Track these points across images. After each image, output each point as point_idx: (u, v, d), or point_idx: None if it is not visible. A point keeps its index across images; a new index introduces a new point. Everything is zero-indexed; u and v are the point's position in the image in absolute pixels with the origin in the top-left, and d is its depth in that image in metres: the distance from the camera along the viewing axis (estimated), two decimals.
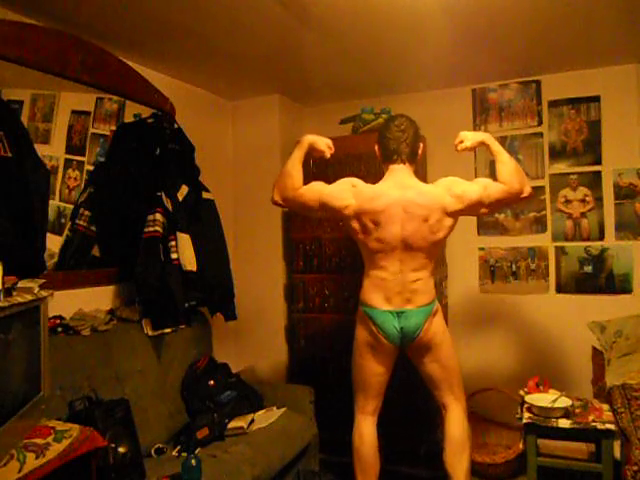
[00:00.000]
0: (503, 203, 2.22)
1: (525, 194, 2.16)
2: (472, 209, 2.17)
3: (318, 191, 2.23)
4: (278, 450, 2.35)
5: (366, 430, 2.30)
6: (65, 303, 2.18)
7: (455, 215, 2.17)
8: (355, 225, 2.19)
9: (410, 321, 2.17)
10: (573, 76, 3.08)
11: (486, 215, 2.28)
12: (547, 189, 3.14)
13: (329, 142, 2.33)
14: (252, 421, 2.47)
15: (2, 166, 1.81)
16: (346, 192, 2.19)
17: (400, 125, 2.22)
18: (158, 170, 2.50)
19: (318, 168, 3.11)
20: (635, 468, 2.05)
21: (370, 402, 2.31)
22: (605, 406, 2.36)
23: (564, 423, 2.25)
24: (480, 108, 3.30)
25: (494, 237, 3.26)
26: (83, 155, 2.43)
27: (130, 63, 2.58)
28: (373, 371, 2.27)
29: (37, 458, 1.41)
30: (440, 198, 2.15)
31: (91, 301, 2.36)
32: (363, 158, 2.89)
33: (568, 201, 3.10)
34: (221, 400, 2.52)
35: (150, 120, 2.62)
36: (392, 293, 2.17)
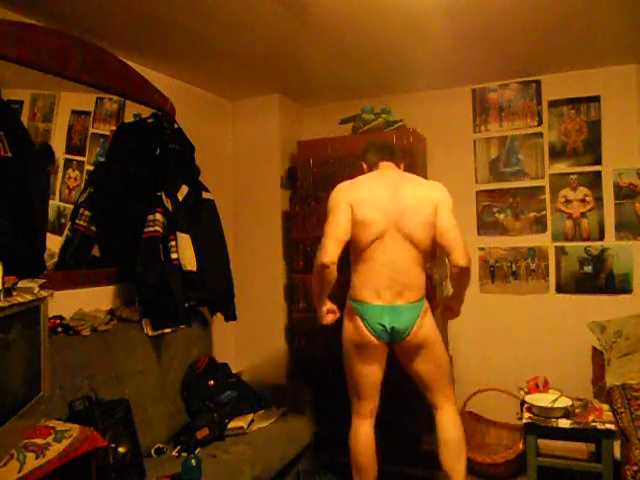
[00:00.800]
0: (441, 247, 2.22)
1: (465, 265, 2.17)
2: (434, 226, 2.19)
3: (339, 237, 2.15)
4: (278, 450, 2.35)
5: (363, 433, 2.29)
6: (65, 303, 2.18)
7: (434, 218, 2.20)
8: (353, 225, 2.18)
9: (401, 318, 2.16)
10: (573, 76, 3.08)
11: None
12: (547, 189, 3.15)
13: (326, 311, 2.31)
14: (252, 421, 2.47)
15: (2, 166, 1.81)
16: (346, 217, 2.16)
17: (383, 141, 2.47)
18: (158, 170, 2.50)
19: (318, 168, 3.11)
20: (635, 468, 2.05)
21: (365, 404, 2.29)
22: (605, 406, 2.36)
23: (564, 423, 2.26)
24: (480, 108, 3.30)
25: (494, 237, 3.26)
26: (83, 155, 2.43)
27: (130, 63, 2.58)
28: (363, 372, 2.25)
29: (37, 458, 1.41)
30: (432, 195, 2.21)
31: (91, 301, 2.36)
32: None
33: (568, 201, 3.10)
34: (221, 400, 2.52)
35: (150, 120, 2.62)
36: (383, 287, 2.16)
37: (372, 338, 2.18)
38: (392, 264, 2.16)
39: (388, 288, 2.16)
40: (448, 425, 2.30)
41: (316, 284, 2.22)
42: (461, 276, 2.20)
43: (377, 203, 2.16)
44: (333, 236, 2.13)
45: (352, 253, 2.26)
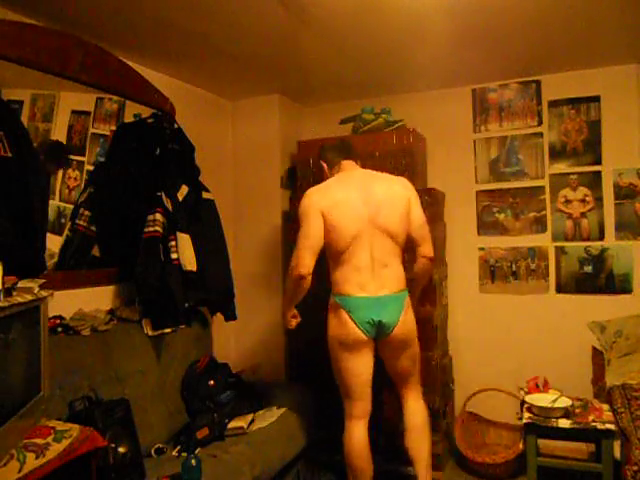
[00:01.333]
0: (412, 239, 2.32)
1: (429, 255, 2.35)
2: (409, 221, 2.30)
3: (313, 246, 2.19)
4: (278, 450, 2.35)
5: (356, 436, 2.27)
6: (65, 303, 2.18)
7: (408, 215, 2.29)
8: (328, 231, 2.21)
9: (387, 311, 2.19)
10: (573, 76, 3.08)
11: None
12: (547, 189, 3.14)
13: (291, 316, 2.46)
14: (252, 421, 2.47)
15: (2, 166, 1.81)
16: (318, 226, 2.19)
17: (340, 140, 2.52)
18: (158, 170, 2.50)
19: (318, 168, 3.11)
20: (635, 468, 2.04)
21: (357, 405, 2.28)
22: (605, 406, 2.36)
23: (564, 423, 2.25)
24: (480, 108, 3.30)
25: (494, 237, 3.26)
26: (83, 155, 2.43)
27: (130, 63, 2.58)
28: (352, 371, 2.24)
29: (37, 458, 1.41)
30: (404, 191, 2.30)
31: (91, 301, 2.36)
32: (362, 158, 2.88)
33: (568, 201, 3.10)
34: (221, 400, 2.52)
35: (150, 120, 2.62)
36: (365, 280, 2.20)
37: (359, 332, 2.19)
38: (372, 259, 2.21)
39: (371, 281, 2.20)
40: (415, 412, 2.38)
41: (290, 293, 2.30)
42: (428, 266, 2.38)
43: (350, 206, 2.20)
44: (308, 247, 2.17)
45: (330, 255, 2.27)
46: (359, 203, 2.21)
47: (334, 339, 2.26)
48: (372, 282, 2.20)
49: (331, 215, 2.17)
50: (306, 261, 2.15)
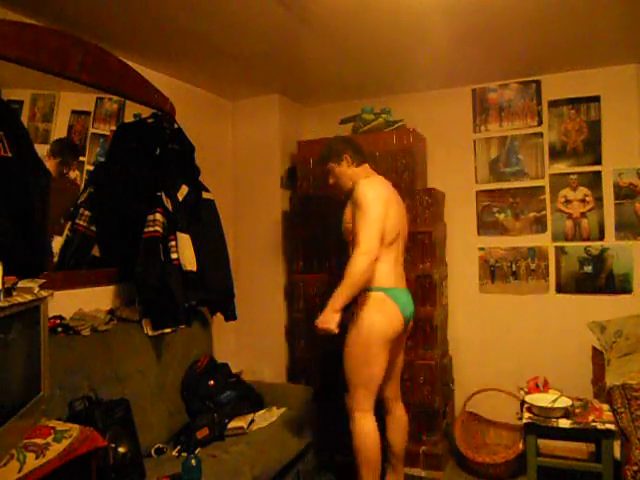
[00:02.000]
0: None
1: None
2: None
3: (381, 233, 2.19)
4: (278, 450, 2.35)
5: (371, 427, 2.27)
6: (65, 303, 2.18)
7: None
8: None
9: (411, 302, 2.35)
10: (573, 76, 3.08)
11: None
12: (547, 189, 3.14)
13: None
14: (252, 421, 2.47)
15: (2, 166, 1.81)
16: (384, 215, 2.21)
17: (355, 140, 2.53)
18: (158, 170, 2.50)
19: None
20: (635, 468, 2.05)
21: (370, 398, 2.29)
22: (605, 406, 2.36)
23: (564, 423, 2.25)
24: (480, 108, 3.30)
25: (494, 237, 3.26)
26: (83, 155, 2.43)
27: (130, 63, 2.58)
28: (381, 364, 2.25)
29: (37, 458, 1.41)
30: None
31: (91, 301, 2.36)
32: None
33: (568, 201, 3.10)
34: (221, 400, 2.52)
35: (150, 120, 2.62)
36: (397, 273, 2.33)
37: (403, 321, 2.28)
38: (399, 256, 2.37)
39: (399, 275, 2.36)
40: (402, 412, 2.53)
41: (357, 283, 2.13)
42: None
43: (394, 203, 2.31)
44: (378, 232, 2.17)
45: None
46: (395, 204, 2.32)
47: (379, 334, 2.19)
48: (400, 276, 2.35)
49: (389, 209, 2.25)
50: (377, 245, 2.15)
